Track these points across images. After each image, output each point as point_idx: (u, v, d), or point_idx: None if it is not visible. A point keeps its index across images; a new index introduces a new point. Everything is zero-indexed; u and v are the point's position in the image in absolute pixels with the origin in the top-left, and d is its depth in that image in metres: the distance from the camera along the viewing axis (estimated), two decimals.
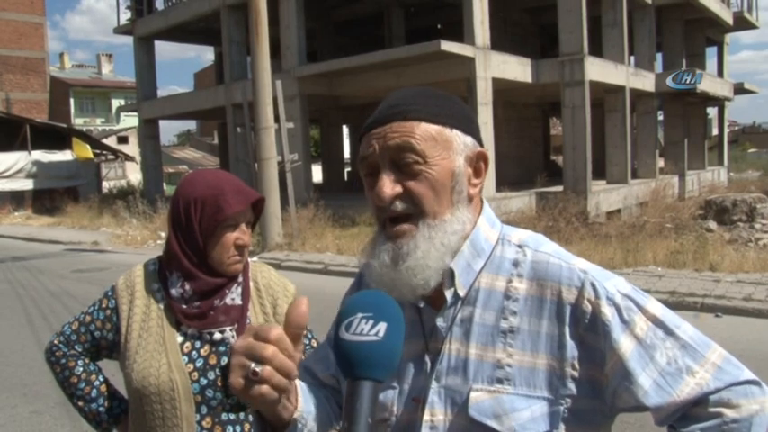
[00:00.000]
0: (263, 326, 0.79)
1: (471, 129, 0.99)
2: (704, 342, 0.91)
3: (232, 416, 1.53)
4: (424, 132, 0.93)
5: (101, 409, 1.64)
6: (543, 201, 15.90)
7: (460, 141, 0.96)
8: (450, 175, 0.94)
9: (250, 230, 1.61)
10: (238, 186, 1.58)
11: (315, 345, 1.69)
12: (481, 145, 1.00)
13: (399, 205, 0.93)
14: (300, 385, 0.93)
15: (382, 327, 0.77)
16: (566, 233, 11.92)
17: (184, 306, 1.54)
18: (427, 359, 0.96)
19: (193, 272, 1.53)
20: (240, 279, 1.61)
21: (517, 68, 16.15)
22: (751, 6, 28.83)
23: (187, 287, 1.54)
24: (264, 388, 0.76)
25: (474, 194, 0.98)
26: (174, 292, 1.55)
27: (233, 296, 1.58)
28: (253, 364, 0.76)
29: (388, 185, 0.93)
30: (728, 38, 29.63)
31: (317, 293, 7.28)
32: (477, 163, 0.99)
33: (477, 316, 0.95)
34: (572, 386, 0.90)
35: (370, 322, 0.78)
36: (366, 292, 0.86)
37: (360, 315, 0.79)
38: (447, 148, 0.95)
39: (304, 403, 0.91)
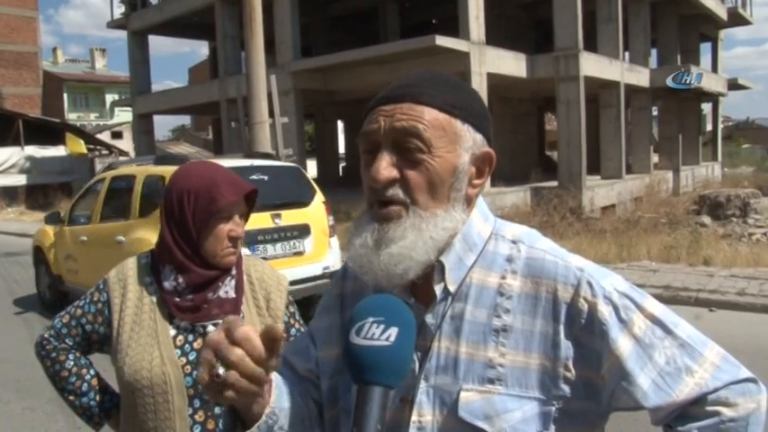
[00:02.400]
0: (234, 322, 0.75)
1: (484, 126, 0.93)
2: (702, 341, 0.89)
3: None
4: (433, 120, 0.88)
5: (92, 403, 1.62)
6: (538, 196, 15.93)
7: (470, 137, 0.91)
8: (451, 171, 0.89)
9: (244, 222, 1.60)
10: (232, 178, 1.56)
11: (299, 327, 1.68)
12: (490, 144, 0.95)
13: (392, 191, 0.88)
14: (276, 379, 0.89)
15: (393, 332, 0.76)
16: (560, 228, 11.96)
17: (177, 299, 1.52)
18: (415, 357, 0.90)
19: (186, 264, 1.51)
20: (234, 272, 1.59)
21: (512, 63, 16.16)
22: (745, 2, 28.91)
23: (180, 280, 1.52)
24: (228, 393, 0.75)
25: (472, 195, 0.93)
26: (167, 285, 1.53)
27: (226, 289, 1.57)
28: (218, 365, 0.74)
29: (386, 168, 0.87)
30: (723, 33, 29.72)
31: None
32: (482, 163, 0.93)
33: (469, 313, 0.90)
34: (564, 387, 0.87)
35: (381, 327, 0.76)
36: (377, 296, 0.84)
37: (371, 319, 0.77)
38: (454, 141, 0.89)
39: (277, 399, 0.86)
